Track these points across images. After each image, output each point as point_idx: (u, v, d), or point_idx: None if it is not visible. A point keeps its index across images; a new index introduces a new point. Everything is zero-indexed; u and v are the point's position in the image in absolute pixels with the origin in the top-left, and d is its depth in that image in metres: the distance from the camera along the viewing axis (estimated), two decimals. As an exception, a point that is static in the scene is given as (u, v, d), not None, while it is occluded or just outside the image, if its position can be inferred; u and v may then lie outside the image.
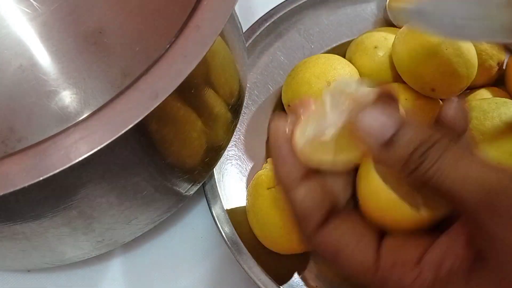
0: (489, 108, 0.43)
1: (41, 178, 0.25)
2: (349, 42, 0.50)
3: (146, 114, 0.26)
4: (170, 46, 0.29)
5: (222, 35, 0.36)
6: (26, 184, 0.25)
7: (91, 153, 0.26)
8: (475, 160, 0.23)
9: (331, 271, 0.43)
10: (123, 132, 0.26)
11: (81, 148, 0.26)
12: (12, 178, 0.25)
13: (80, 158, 0.26)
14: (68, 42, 0.50)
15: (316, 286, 0.43)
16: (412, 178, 0.24)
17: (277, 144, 0.28)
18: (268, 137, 0.27)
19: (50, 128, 0.47)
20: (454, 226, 0.25)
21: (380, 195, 0.26)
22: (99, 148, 0.26)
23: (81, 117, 0.48)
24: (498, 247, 0.22)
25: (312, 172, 0.27)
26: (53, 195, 0.31)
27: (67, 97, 0.49)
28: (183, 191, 0.39)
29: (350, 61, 0.48)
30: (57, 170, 0.26)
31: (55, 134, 0.27)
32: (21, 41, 0.51)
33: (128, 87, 0.28)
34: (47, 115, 0.48)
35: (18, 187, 0.25)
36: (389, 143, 0.24)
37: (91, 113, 0.27)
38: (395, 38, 0.46)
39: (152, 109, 0.27)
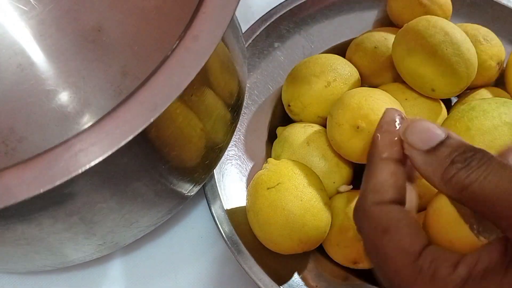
0: (489, 108, 0.43)
1: (41, 191, 0.26)
2: (349, 42, 0.50)
3: (145, 126, 0.27)
4: (168, 56, 0.28)
5: (222, 37, 0.36)
6: (26, 197, 0.26)
7: (91, 165, 0.26)
8: None
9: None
10: (122, 144, 0.26)
11: (81, 160, 0.26)
12: (13, 191, 0.26)
13: (80, 171, 0.26)
14: (67, 40, 0.51)
15: (316, 286, 0.43)
16: (451, 186, 0.26)
17: (391, 126, 0.30)
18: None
19: (50, 128, 0.47)
20: (493, 240, 0.26)
21: (444, 213, 0.29)
22: (98, 160, 0.26)
23: (80, 117, 0.48)
24: None
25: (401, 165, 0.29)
26: (54, 202, 0.31)
27: (67, 97, 0.49)
28: (183, 193, 0.39)
29: (350, 61, 0.48)
30: (58, 183, 0.26)
31: (55, 146, 0.27)
32: (20, 39, 0.51)
33: (127, 99, 0.28)
34: (47, 114, 0.48)
35: (19, 200, 0.26)
36: (434, 148, 0.27)
37: (90, 125, 0.27)
38: (395, 38, 0.46)
39: (151, 121, 0.27)
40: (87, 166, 0.26)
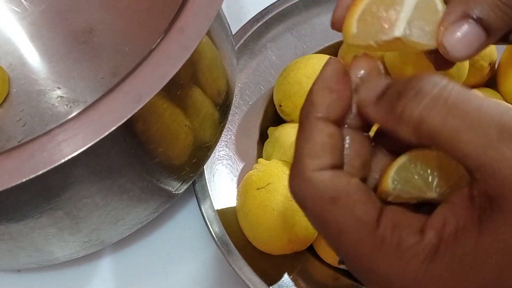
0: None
1: (23, 180, 0.25)
2: (341, 43, 0.50)
3: (128, 117, 0.26)
4: (154, 48, 0.28)
5: (209, 35, 0.36)
6: (8, 186, 0.25)
7: (73, 155, 0.26)
8: (484, 102, 0.20)
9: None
10: (105, 134, 0.26)
11: (63, 150, 0.26)
12: (-5, 180, 0.25)
13: (63, 160, 0.26)
14: (58, 41, 0.51)
15: (306, 286, 0.43)
16: (406, 126, 0.22)
17: (331, 82, 0.25)
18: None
19: (39, 128, 0.47)
20: (452, 195, 0.23)
21: None
22: (81, 150, 0.26)
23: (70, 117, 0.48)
24: None
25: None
26: (39, 196, 0.31)
27: (57, 97, 0.49)
28: (170, 191, 0.39)
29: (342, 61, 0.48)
30: (40, 172, 0.26)
31: (38, 136, 0.27)
32: (11, 40, 0.51)
33: (111, 90, 0.27)
34: (37, 114, 0.48)
35: (1, 188, 0.25)
36: (382, 92, 0.23)
37: (74, 115, 0.27)
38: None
39: (135, 112, 0.26)
40: (70, 156, 0.26)
